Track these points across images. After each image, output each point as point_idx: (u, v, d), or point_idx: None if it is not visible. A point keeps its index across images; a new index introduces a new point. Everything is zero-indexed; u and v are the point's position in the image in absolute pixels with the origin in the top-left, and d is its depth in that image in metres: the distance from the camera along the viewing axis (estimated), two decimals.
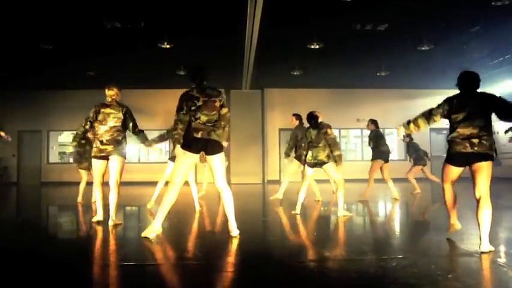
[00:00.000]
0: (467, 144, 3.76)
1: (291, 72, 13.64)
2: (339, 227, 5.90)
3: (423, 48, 10.79)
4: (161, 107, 15.82)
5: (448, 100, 4.02)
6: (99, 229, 5.24)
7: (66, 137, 17.46)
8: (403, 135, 4.39)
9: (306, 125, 6.86)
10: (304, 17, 8.91)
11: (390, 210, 7.97)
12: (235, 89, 16.36)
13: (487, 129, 3.76)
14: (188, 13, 8.71)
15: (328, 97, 16.87)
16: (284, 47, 11.09)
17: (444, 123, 4.16)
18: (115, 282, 3.11)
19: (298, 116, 8.64)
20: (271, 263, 3.60)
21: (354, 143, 18.44)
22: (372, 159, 9.00)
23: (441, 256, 3.78)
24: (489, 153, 3.73)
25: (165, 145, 15.58)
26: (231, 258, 3.75)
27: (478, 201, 3.80)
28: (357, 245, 4.45)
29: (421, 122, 4.17)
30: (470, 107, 3.81)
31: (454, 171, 4.01)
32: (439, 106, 4.07)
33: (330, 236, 5.15)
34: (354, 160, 16.62)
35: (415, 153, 10.62)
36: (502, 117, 3.76)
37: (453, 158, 3.94)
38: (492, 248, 3.67)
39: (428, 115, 4.13)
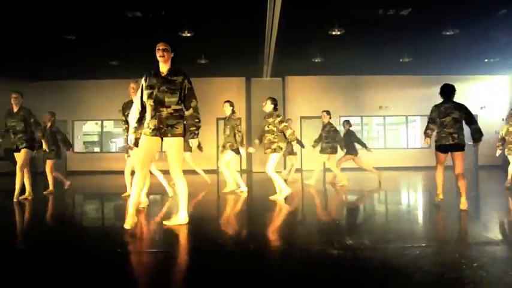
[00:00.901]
0: (450, 138, 5.66)
1: (312, 60, 13.51)
2: (361, 215, 5.89)
3: (447, 33, 10.52)
4: None
5: (436, 108, 5.86)
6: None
7: (90, 127, 17.78)
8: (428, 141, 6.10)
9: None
10: (325, 1, 8.77)
11: (411, 198, 7.89)
12: (256, 77, 16.34)
13: (461, 128, 5.68)
14: (208, 0, 8.69)
15: (349, 84, 16.66)
16: (305, 33, 10.96)
17: None
18: (140, 269, 3.19)
19: (231, 103, 8.15)
20: (294, 249, 3.63)
21: (376, 130, 18.22)
22: (331, 153, 9.41)
23: (465, 244, 3.74)
24: (464, 145, 5.69)
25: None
26: (252, 245, 3.79)
27: (457, 175, 5.69)
28: (380, 233, 4.44)
29: (433, 127, 5.98)
30: (454, 114, 5.69)
31: (441, 156, 5.88)
32: (431, 114, 5.90)
33: (353, 224, 5.14)
34: (377, 148, 16.33)
35: (349, 141, 9.88)
36: (467, 123, 5.70)
37: (440, 147, 5.81)
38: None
39: (432, 125, 5.95)
